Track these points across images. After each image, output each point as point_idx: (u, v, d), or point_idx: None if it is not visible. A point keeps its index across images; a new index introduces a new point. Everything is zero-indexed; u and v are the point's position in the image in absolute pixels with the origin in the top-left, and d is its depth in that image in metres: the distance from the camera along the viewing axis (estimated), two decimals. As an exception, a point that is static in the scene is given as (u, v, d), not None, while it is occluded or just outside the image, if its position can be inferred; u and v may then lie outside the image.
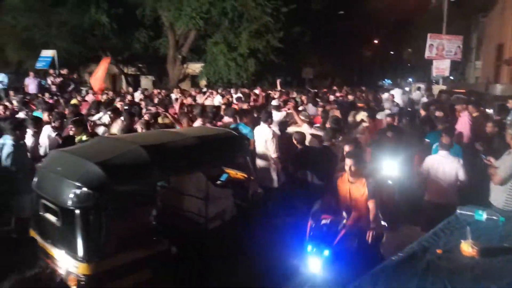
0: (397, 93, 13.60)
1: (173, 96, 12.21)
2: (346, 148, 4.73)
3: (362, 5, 26.20)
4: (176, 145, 3.74)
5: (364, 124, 7.08)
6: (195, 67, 21.90)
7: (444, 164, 4.90)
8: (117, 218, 3.14)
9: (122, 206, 3.19)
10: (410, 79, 40.78)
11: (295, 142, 5.69)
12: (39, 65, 15.30)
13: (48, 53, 15.56)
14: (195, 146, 3.80)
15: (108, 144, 3.85)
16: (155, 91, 14.06)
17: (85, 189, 3.00)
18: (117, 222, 3.13)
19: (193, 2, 17.28)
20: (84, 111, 7.95)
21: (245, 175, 4.66)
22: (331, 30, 24.70)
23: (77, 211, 3.01)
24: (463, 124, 7.33)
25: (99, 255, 3.05)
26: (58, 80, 14.12)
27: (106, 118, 6.95)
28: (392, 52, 40.37)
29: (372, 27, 31.17)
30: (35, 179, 3.55)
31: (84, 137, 5.50)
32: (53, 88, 13.89)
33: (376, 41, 36.87)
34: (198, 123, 6.38)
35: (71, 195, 3.03)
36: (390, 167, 5.13)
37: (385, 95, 13.12)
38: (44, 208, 3.38)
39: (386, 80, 46.62)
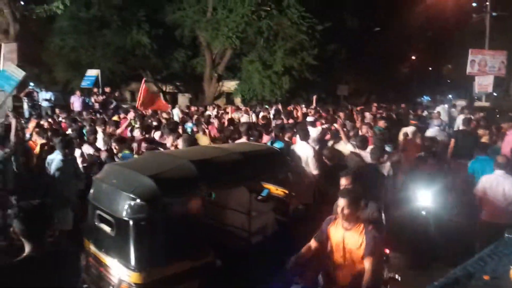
0: (442, 110, 13.21)
1: (208, 112, 12.49)
2: (342, 181, 3.94)
3: (398, 21, 25.86)
4: (221, 160, 3.87)
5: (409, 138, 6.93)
6: (230, 85, 22.34)
7: (504, 184, 4.78)
8: (167, 229, 3.24)
9: (172, 218, 3.30)
10: (450, 96, 39.43)
11: (324, 159, 5.65)
12: (84, 84, 16.09)
13: (92, 73, 16.36)
14: (239, 161, 3.92)
15: (159, 158, 4.03)
16: (193, 109, 14.39)
17: (138, 201, 3.13)
18: (167, 233, 3.23)
19: (230, 22, 17.74)
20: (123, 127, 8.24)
21: (286, 191, 4.69)
22: (367, 47, 24.48)
23: (131, 222, 3.14)
24: (510, 142, 6.99)
25: (150, 265, 3.14)
26: (101, 98, 14.78)
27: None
28: (430, 68, 39.27)
29: (410, 43, 30.60)
30: (91, 191, 3.74)
31: (126, 151, 5.72)
32: (96, 105, 14.57)
33: (413, 57, 36.07)
34: (243, 140, 6.45)
35: (126, 207, 3.17)
36: (426, 197, 4.95)
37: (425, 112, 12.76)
38: (99, 218, 3.54)
39: (424, 97, 45.31)
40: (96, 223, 3.57)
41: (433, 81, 41.02)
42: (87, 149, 6.13)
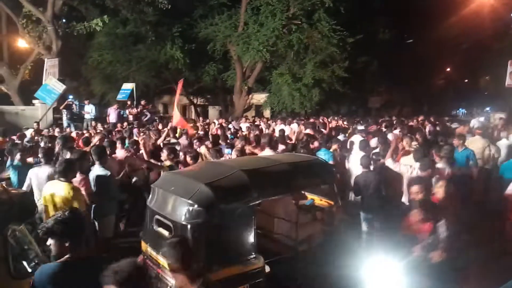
0: (477, 123, 12.67)
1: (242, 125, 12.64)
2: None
3: (432, 32, 25.31)
4: (270, 170, 4.03)
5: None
6: (259, 97, 22.51)
7: None
8: (222, 235, 3.41)
9: (226, 224, 3.47)
10: (488, 109, 37.87)
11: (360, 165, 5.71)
12: (120, 97, 16.68)
13: (128, 86, 16.95)
14: (287, 171, 4.06)
15: (213, 167, 4.26)
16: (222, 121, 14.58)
17: (196, 206, 3.31)
18: (221, 238, 3.39)
19: (260, 36, 17.96)
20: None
21: (330, 202, 4.73)
22: (399, 59, 24.07)
23: (189, 226, 3.32)
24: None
25: (207, 268, 3.24)
26: (136, 110, 15.27)
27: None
28: (466, 80, 37.99)
29: (444, 55, 29.78)
30: (150, 197, 3.98)
31: (167, 163, 5.85)
32: (131, 118, 15.05)
33: (448, 69, 35.03)
34: (267, 152, 6.47)
35: (184, 212, 3.37)
36: None
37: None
38: (158, 222, 3.76)
39: (460, 109, 43.77)
40: (154, 227, 3.80)
41: (470, 93, 39.60)
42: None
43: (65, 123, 14.36)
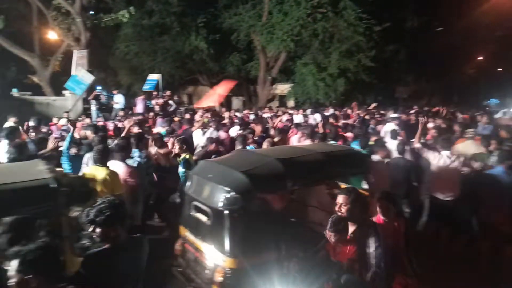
0: (502, 114, 12.10)
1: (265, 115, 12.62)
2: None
3: (463, 20, 24.33)
4: (305, 159, 4.11)
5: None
6: (283, 88, 22.35)
7: None
8: (258, 221, 3.53)
9: (261, 210, 3.60)
10: (522, 99, 36.19)
11: None
12: (146, 87, 16.94)
13: (153, 77, 17.19)
14: (321, 161, 4.14)
15: (247, 156, 4.43)
16: (247, 111, 14.60)
17: (233, 193, 3.43)
18: (257, 224, 3.51)
19: (285, 26, 17.76)
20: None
21: (365, 192, 4.69)
22: (429, 47, 23.30)
23: (227, 212, 3.45)
24: None
25: (243, 252, 3.41)
26: (162, 101, 15.46)
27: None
28: (500, 69, 36.42)
29: (476, 43, 28.61)
30: (188, 184, 4.16)
31: (187, 156, 5.93)
32: (157, 108, 15.25)
33: (480, 58, 33.65)
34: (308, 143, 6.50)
35: (222, 198, 3.52)
36: None
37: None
38: (195, 208, 3.95)
39: (493, 99, 42.09)
40: (192, 213, 3.98)
41: (503, 83, 37.98)
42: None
43: (93, 113, 14.71)
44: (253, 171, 3.68)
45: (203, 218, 3.81)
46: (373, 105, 13.06)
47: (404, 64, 22.74)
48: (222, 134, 8.13)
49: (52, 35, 18.45)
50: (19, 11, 18.31)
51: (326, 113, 12.57)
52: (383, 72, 20.01)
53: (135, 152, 5.60)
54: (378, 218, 3.83)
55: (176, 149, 6.01)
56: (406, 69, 23.40)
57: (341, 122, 9.84)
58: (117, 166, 4.88)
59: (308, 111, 14.01)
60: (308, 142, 6.69)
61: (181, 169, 5.89)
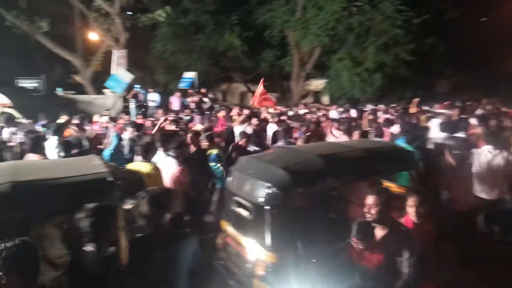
0: None
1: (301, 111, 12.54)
2: None
3: (509, 9, 22.98)
4: (346, 156, 4.07)
5: None
6: (317, 83, 22.09)
7: None
8: (298, 216, 3.54)
9: (302, 206, 3.63)
10: None
11: None
12: (182, 85, 17.26)
13: (189, 75, 17.48)
14: (363, 157, 4.07)
15: (288, 153, 4.41)
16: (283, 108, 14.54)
17: (274, 189, 3.46)
18: (298, 220, 3.53)
19: (319, 20, 17.54)
20: (219, 126, 8.76)
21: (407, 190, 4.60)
22: (471, 39, 22.20)
23: (267, 208, 3.48)
24: None
25: (284, 247, 3.43)
26: (197, 98, 15.72)
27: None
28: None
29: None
30: (229, 179, 4.25)
31: (215, 151, 6.00)
32: (192, 105, 15.52)
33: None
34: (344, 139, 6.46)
35: (263, 194, 3.54)
36: None
37: None
38: (237, 203, 4.02)
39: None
40: (233, 208, 4.05)
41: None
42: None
43: (132, 111, 15.16)
44: (293, 167, 3.68)
45: (244, 213, 3.86)
46: (416, 100, 12.65)
47: (444, 57, 21.81)
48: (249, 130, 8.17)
49: (93, 36, 19.18)
50: (62, 14, 19.18)
51: (364, 109, 12.31)
52: (421, 65, 19.32)
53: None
54: (407, 219, 3.56)
55: (203, 145, 6.10)
56: (446, 62, 22.44)
57: (383, 117, 9.59)
58: (169, 162, 5.02)
59: (345, 106, 13.79)
60: (345, 137, 6.57)
61: (212, 164, 5.97)
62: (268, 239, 3.45)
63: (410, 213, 3.52)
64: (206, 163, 5.98)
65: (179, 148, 5.14)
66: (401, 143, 5.88)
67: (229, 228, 4.11)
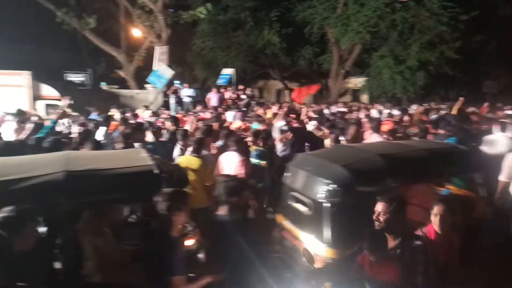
0: None
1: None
2: None
3: None
4: (407, 156, 4.07)
5: None
6: (356, 81, 21.65)
7: None
8: (357, 214, 3.50)
9: (361, 203, 3.55)
10: None
11: None
12: (220, 81, 17.47)
13: (227, 71, 17.67)
14: (424, 158, 4.04)
15: (347, 151, 4.48)
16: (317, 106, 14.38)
17: (334, 186, 3.51)
18: (356, 217, 3.49)
19: (360, 17, 17.15)
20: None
21: (469, 192, 4.53)
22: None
23: (327, 204, 3.53)
24: None
25: (343, 243, 3.47)
26: (235, 95, 15.85)
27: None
28: None
29: None
30: (287, 175, 4.32)
31: (258, 148, 6.04)
32: (229, 102, 15.67)
33: None
34: (375, 137, 6.32)
35: (322, 191, 3.59)
36: None
37: None
38: (294, 199, 4.09)
39: None
40: (290, 203, 4.12)
41: None
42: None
43: (172, 106, 15.53)
44: (354, 165, 3.72)
45: (302, 208, 3.92)
46: (461, 99, 12.13)
47: (493, 56, 20.70)
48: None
49: (136, 32, 19.80)
50: (108, 11, 19.94)
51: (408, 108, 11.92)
52: (468, 64, 18.46)
53: (219, 144, 5.84)
54: (430, 229, 3.27)
55: (249, 142, 6.18)
56: (495, 61, 21.27)
57: (431, 117, 9.28)
58: (231, 156, 5.24)
59: (386, 105, 13.44)
60: (376, 136, 6.41)
61: (254, 160, 6.02)
62: (327, 234, 3.51)
63: (434, 222, 3.25)
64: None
65: (238, 143, 5.37)
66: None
67: (285, 222, 4.18)
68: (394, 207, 2.95)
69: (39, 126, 5.97)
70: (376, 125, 6.55)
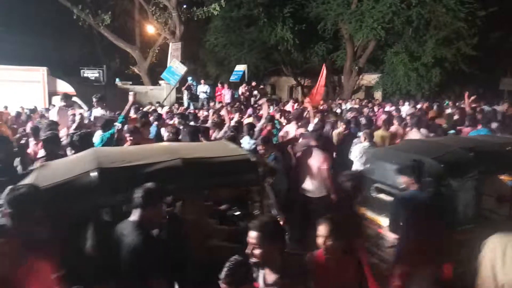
0: None
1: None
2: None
3: None
4: (488, 150, 4.36)
5: None
6: (370, 78, 21.43)
7: None
8: (445, 203, 3.79)
9: (451, 195, 3.88)
10: None
11: None
12: (233, 78, 17.49)
13: (240, 68, 17.65)
14: (500, 152, 4.38)
15: (426, 144, 4.93)
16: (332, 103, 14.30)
17: (426, 178, 3.68)
18: (445, 208, 3.76)
19: (375, 13, 16.91)
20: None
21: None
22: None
23: None
24: None
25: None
26: (247, 92, 15.84)
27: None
28: None
29: None
30: (368, 168, 4.72)
31: (272, 156, 5.91)
32: (242, 98, 15.68)
33: None
34: (414, 134, 6.61)
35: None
36: None
37: None
38: (379, 190, 4.51)
39: None
40: (373, 194, 4.54)
41: None
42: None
43: (185, 103, 15.62)
44: (443, 157, 4.02)
45: (388, 198, 4.26)
46: (473, 97, 11.93)
47: (511, 52, 20.24)
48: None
49: (150, 29, 19.93)
50: (123, 7, 20.11)
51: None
52: (486, 61, 18.10)
53: (247, 139, 5.85)
54: (320, 254, 2.64)
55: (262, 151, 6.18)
56: (514, 58, 20.82)
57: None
58: (315, 152, 5.29)
59: (406, 103, 13.32)
60: (415, 131, 6.60)
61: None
62: None
63: (319, 245, 2.60)
64: None
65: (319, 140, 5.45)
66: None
67: (367, 213, 4.50)
68: (267, 238, 2.27)
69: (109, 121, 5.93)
70: (416, 121, 6.83)
